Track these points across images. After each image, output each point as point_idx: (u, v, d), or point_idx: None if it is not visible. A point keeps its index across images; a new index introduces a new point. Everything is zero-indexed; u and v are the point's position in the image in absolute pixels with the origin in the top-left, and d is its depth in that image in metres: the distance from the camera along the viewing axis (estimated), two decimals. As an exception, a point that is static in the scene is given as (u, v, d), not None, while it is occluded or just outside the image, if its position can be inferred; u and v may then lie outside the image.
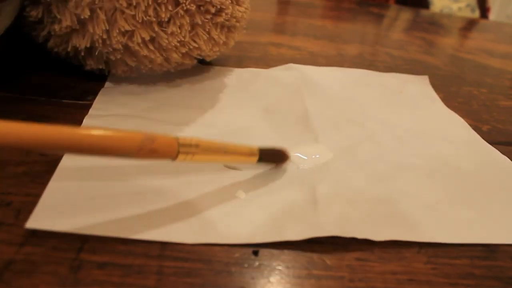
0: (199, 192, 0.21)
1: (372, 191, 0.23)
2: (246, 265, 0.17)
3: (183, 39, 0.28)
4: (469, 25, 0.88)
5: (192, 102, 0.30)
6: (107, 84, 0.30)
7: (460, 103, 0.38)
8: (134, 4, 0.25)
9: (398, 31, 0.70)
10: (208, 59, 0.34)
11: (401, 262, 0.19)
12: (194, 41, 0.29)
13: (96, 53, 0.28)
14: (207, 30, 0.29)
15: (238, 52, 0.42)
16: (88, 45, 0.27)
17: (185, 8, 0.26)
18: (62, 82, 0.30)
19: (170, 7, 0.26)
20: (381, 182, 0.24)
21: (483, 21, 1.06)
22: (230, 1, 0.29)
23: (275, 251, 0.18)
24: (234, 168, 0.23)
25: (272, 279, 0.17)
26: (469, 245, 0.20)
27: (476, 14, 1.56)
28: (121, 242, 0.17)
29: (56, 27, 0.26)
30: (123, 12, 0.26)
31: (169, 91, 0.31)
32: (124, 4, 0.25)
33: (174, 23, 0.27)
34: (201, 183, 0.21)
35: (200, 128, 0.27)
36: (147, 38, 0.27)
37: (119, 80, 0.31)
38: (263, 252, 0.18)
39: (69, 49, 0.28)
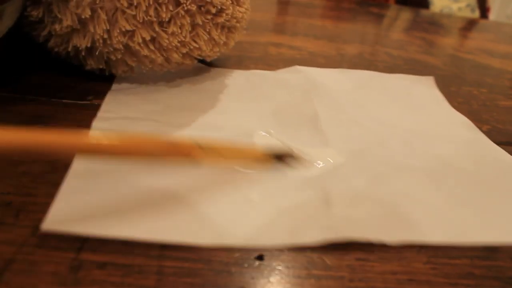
0: (212, 195, 0.21)
1: (384, 195, 0.23)
2: (246, 265, 0.17)
3: (183, 39, 0.28)
4: (469, 25, 0.88)
5: (200, 105, 0.30)
6: (114, 86, 0.30)
7: (460, 103, 0.38)
8: (135, 4, 0.25)
9: (398, 31, 0.70)
10: (208, 59, 0.34)
11: (401, 262, 0.19)
12: (195, 42, 0.29)
13: (97, 53, 0.28)
14: (207, 30, 0.29)
15: (238, 52, 0.42)
16: (88, 45, 0.27)
17: (185, 8, 0.26)
18: (62, 82, 0.30)
19: (171, 7, 0.26)
20: (393, 185, 0.24)
21: (483, 21, 1.06)
22: (230, 2, 0.29)
23: (275, 251, 0.18)
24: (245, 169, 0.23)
25: (272, 279, 0.17)
26: (469, 245, 0.20)
27: (476, 14, 1.56)
28: (121, 242, 0.17)
29: (57, 26, 0.26)
30: (124, 12, 0.26)
31: (174, 93, 0.31)
32: (125, 4, 0.25)
33: (175, 23, 0.27)
34: (213, 186, 0.21)
35: (211, 132, 0.27)
36: (148, 38, 0.27)
37: (125, 81, 0.31)
38: (263, 252, 0.18)
39: (69, 49, 0.28)
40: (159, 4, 0.26)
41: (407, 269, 0.18)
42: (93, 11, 0.26)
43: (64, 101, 0.28)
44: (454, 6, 1.53)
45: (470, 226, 0.22)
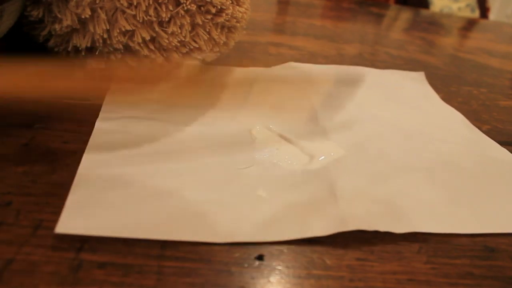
0: (220, 192, 0.21)
1: (387, 186, 0.24)
2: (246, 265, 0.17)
3: (183, 39, 0.28)
4: (469, 25, 0.88)
5: (200, 103, 0.30)
6: (112, 86, 0.30)
7: (460, 102, 0.38)
8: (135, 4, 0.25)
9: (398, 31, 0.70)
10: (208, 59, 0.34)
11: (400, 262, 0.19)
12: (195, 41, 0.29)
13: (97, 53, 0.28)
14: (207, 30, 0.29)
15: (238, 52, 0.42)
16: (88, 45, 0.27)
17: (185, 8, 0.26)
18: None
19: (170, 7, 0.26)
20: (393, 177, 0.25)
21: (483, 21, 1.06)
22: (230, 2, 0.29)
23: (275, 251, 0.18)
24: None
25: (272, 279, 0.17)
26: (469, 245, 0.20)
27: (476, 14, 1.56)
28: (121, 242, 0.17)
29: (57, 26, 0.26)
30: (123, 12, 0.26)
31: (174, 92, 0.31)
32: (125, 4, 0.25)
33: (175, 23, 0.27)
34: (220, 183, 0.22)
35: (211, 128, 0.27)
36: (148, 38, 0.27)
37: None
38: (263, 252, 0.18)
39: (69, 48, 0.28)
40: (159, 4, 0.26)
41: (407, 269, 0.19)
42: (93, 11, 0.26)
43: (64, 101, 0.28)
44: (454, 6, 1.53)
45: (472, 217, 0.22)
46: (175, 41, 0.27)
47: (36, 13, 0.27)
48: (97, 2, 0.25)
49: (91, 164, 0.21)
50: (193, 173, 0.22)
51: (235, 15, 0.30)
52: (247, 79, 0.35)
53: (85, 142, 0.23)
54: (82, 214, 0.18)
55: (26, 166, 0.21)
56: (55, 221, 0.18)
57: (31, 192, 0.19)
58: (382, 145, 0.28)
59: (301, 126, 0.29)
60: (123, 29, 0.26)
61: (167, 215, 0.19)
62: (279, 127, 0.28)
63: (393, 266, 0.19)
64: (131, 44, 0.27)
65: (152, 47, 0.27)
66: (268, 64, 0.39)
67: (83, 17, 0.26)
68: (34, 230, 0.17)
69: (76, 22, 0.26)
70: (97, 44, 0.27)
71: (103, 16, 0.25)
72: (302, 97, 0.33)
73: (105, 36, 0.26)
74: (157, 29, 0.27)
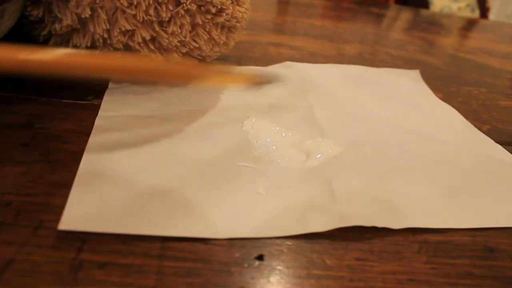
0: (219, 189, 0.21)
1: (385, 183, 0.24)
2: (246, 265, 0.17)
3: (183, 39, 0.28)
4: (469, 25, 0.88)
5: (197, 101, 0.30)
6: (111, 85, 0.30)
7: (460, 102, 0.38)
8: (135, 3, 0.25)
9: (398, 31, 0.70)
10: (208, 60, 0.34)
11: (400, 262, 0.19)
12: (195, 41, 0.29)
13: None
14: (207, 30, 0.29)
15: (238, 52, 0.42)
16: (88, 45, 0.27)
17: (185, 8, 0.26)
18: (62, 82, 0.30)
19: (170, 7, 0.26)
20: (393, 173, 0.25)
21: (483, 21, 1.06)
22: (230, 2, 0.29)
23: (275, 251, 0.18)
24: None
25: (272, 279, 0.17)
26: (469, 245, 0.20)
27: (476, 14, 1.56)
28: (121, 242, 0.17)
29: (57, 26, 0.26)
30: (124, 12, 0.26)
31: (171, 90, 0.31)
32: (125, 4, 0.25)
33: (175, 23, 0.27)
34: (219, 181, 0.22)
35: (210, 126, 0.27)
36: (148, 37, 0.27)
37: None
38: (263, 252, 0.18)
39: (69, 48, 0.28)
40: (159, 4, 0.26)
41: (407, 269, 0.19)
42: (93, 10, 0.26)
43: (64, 101, 0.28)
44: (454, 6, 1.53)
45: (470, 213, 0.23)
46: (175, 41, 0.27)
47: (36, 12, 0.27)
48: (97, 1, 0.25)
49: (91, 162, 0.21)
50: (192, 170, 0.22)
51: (235, 15, 0.30)
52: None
53: (85, 142, 0.23)
54: (84, 212, 0.18)
55: (26, 166, 0.21)
56: (55, 221, 0.18)
57: (31, 192, 0.19)
58: (379, 143, 0.28)
59: (299, 123, 0.29)
60: (123, 29, 0.26)
61: (168, 212, 0.19)
62: (278, 125, 0.28)
63: (393, 266, 0.19)
64: (131, 44, 0.27)
65: (152, 47, 0.27)
66: (267, 64, 0.39)
67: (83, 16, 0.26)
68: (34, 230, 0.17)
69: (76, 21, 0.26)
70: (97, 44, 0.27)
71: (103, 15, 0.25)
72: (298, 96, 0.33)
73: (105, 35, 0.26)
74: (157, 29, 0.27)
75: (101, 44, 0.27)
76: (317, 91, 0.35)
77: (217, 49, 0.31)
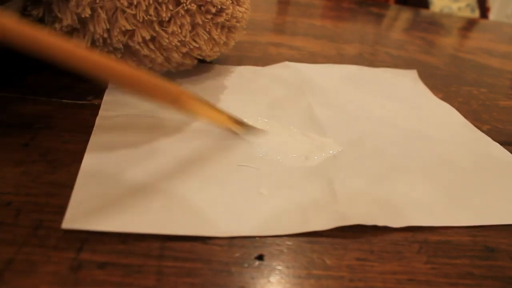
0: (221, 189, 0.21)
1: (385, 182, 0.24)
2: (246, 265, 0.17)
3: (183, 39, 0.28)
4: (469, 25, 0.88)
5: None
6: (111, 85, 0.30)
7: (460, 102, 0.38)
8: (135, 3, 0.25)
9: (398, 31, 0.70)
10: (208, 59, 0.34)
11: (400, 262, 0.19)
12: (195, 41, 0.29)
13: (96, 53, 0.28)
14: (207, 30, 0.29)
15: (238, 52, 0.42)
16: (89, 45, 0.27)
17: (185, 7, 0.26)
18: (62, 82, 0.30)
19: (171, 7, 0.26)
20: (393, 172, 0.25)
21: (483, 21, 1.06)
22: (230, 1, 0.29)
23: (275, 251, 0.18)
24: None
25: (272, 279, 0.17)
26: (469, 245, 0.20)
27: (476, 14, 1.56)
28: (121, 242, 0.17)
29: (57, 26, 0.26)
30: (124, 12, 0.26)
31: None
32: (125, 4, 0.25)
33: (175, 23, 0.27)
34: (221, 180, 0.22)
35: (209, 125, 0.27)
36: (148, 37, 0.27)
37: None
38: (263, 252, 0.18)
39: (69, 48, 0.28)
40: (159, 4, 0.26)
41: (407, 269, 0.19)
42: (93, 10, 0.25)
43: (64, 101, 0.28)
44: (454, 6, 1.53)
45: (470, 211, 0.23)
46: (175, 41, 0.27)
47: (36, 12, 0.27)
48: (97, 1, 0.25)
49: (93, 162, 0.22)
50: (193, 170, 0.22)
51: (235, 15, 0.30)
52: (244, 78, 0.36)
53: (85, 142, 0.23)
54: (87, 211, 0.18)
55: (26, 166, 0.21)
56: (55, 221, 0.18)
57: (31, 192, 0.19)
58: (379, 143, 0.28)
59: (299, 123, 0.29)
60: (123, 29, 0.26)
61: (170, 211, 0.19)
62: (278, 125, 0.28)
63: (393, 266, 0.19)
64: (131, 43, 0.27)
65: (152, 46, 0.27)
66: (267, 64, 0.39)
67: (83, 16, 0.25)
68: (34, 230, 0.17)
69: (76, 21, 0.26)
70: (97, 44, 0.27)
71: (103, 15, 0.25)
72: (298, 95, 0.33)
73: (105, 35, 0.26)
74: (157, 28, 0.27)
75: (101, 44, 0.27)
76: (316, 91, 0.35)
77: (217, 49, 0.31)
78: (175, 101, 0.20)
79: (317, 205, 0.21)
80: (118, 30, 0.26)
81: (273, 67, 0.39)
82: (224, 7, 0.28)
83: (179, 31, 0.27)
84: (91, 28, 0.26)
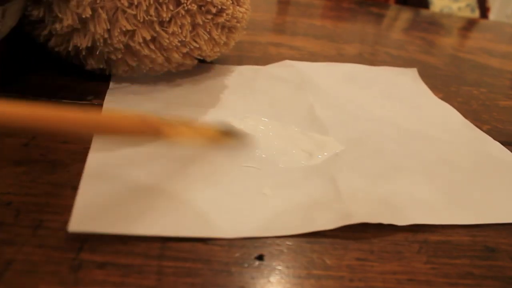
0: (224, 190, 0.21)
1: (388, 181, 0.24)
2: (246, 265, 0.17)
3: (184, 39, 0.28)
4: (469, 25, 0.88)
5: (197, 101, 0.30)
6: (112, 85, 0.30)
7: (460, 102, 0.38)
8: (136, 3, 0.25)
9: (398, 31, 0.70)
10: (208, 60, 0.34)
11: (400, 262, 0.19)
12: (195, 41, 0.29)
13: (97, 53, 0.28)
14: (208, 30, 0.29)
15: (238, 52, 0.42)
16: (89, 45, 0.27)
17: (186, 8, 0.26)
18: (62, 82, 0.30)
19: (171, 7, 0.26)
20: (395, 171, 0.25)
21: (483, 21, 1.06)
22: (231, 2, 0.29)
23: (275, 251, 0.18)
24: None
25: (272, 279, 0.17)
26: (469, 245, 0.20)
27: (476, 14, 1.56)
28: (121, 242, 0.17)
29: (58, 26, 0.26)
30: (124, 12, 0.26)
31: (172, 91, 0.31)
32: (126, 4, 0.25)
33: (175, 23, 0.27)
34: (224, 181, 0.22)
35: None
36: (148, 37, 0.27)
37: (123, 80, 0.31)
38: (263, 252, 0.18)
39: (70, 48, 0.28)
40: (160, 4, 0.26)
41: (407, 269, 0.19)
42: (94, 10, 0.25)
43: (64, 101, 0.28)
44: (454, 6, 1.53)
45: (472, 210, 0.23)
46: (175, 41, 0.27)
47: (36, 12, 0.27)
48: (98, 1, 0.25)
49: (96, 164, 0.21)
50: (197, 171, 0.22)
51: (235, 15, 0.30)
52: (245, 77, 0.36)
53: (85, 142, 0.23)
54: (92, 213, 0.18)
55: (26, 166, 0.21)
56: (55, 221, 0.18)
57: (31, 192, 0.19)
58: (380, 142, 0.28)
59: (300, 122, 0.29)
60: (124, 29, 0.26)
61: (174, 213, 0.19)
62: (280, 124, 0.28)
63: (393, 266, 0.19)
64: (131, 43, 0.27)
65: (152, 47, 0.27)
66: (268, 64, 0.39)
67: (83, 16, 0.26)
68: (34, 230, 0.17)
69: (77, 21, 0.26)
70: (98, 44, 0.27)
71: (103, 15, 0.25)
72: (299, 95, 0.33)
73: (106, 35, 0.26)
74: (157, 29, 0.27)
75: (102, 44, 0.27)
76: (317, 90, 0.35)
77: (218, 49, 0.31)
78: (157, 133, 0.20)
79: (321, 205, 0.21)
80: (118, 30, 0.26)
81: (274, 66, 0.39)
82: (224, 7, 0.28)
83: (180, 31, 0.27)
84: (92, 28, 0.26)
